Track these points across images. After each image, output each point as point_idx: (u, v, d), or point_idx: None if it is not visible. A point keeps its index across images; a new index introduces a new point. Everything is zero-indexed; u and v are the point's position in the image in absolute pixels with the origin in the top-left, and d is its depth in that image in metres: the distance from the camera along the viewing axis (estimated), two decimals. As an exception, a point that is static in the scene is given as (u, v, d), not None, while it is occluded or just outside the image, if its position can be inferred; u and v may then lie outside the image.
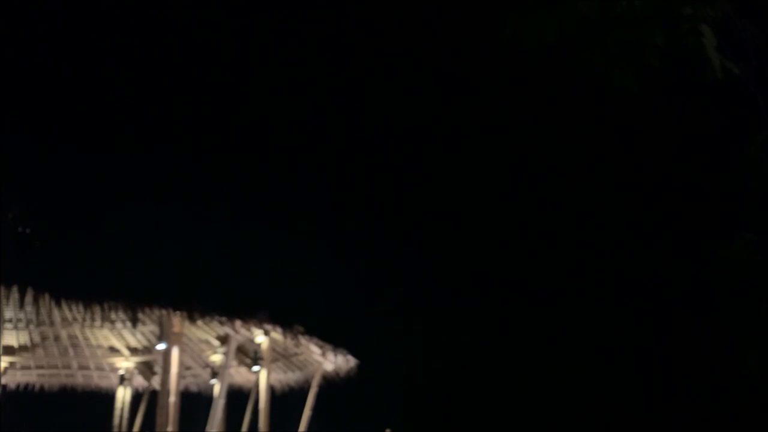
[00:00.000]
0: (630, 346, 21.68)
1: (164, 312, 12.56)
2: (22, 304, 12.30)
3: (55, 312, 14.34)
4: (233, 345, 13.54)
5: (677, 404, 19.75)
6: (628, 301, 21.81)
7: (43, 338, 16.47)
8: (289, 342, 14.17)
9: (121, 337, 16.54)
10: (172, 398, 12.49)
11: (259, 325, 13.45)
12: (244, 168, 23.02)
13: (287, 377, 16.69)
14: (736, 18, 3.63)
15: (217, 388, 14.08)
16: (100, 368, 18.07)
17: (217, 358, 15.20)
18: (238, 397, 16.30)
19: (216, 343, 14.93)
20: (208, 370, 16.27)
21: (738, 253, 3.81)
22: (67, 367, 17.94)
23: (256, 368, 14.64)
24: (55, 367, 17.88)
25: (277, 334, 13.81)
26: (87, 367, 18.12)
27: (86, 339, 16.82)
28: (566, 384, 22.56)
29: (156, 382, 15.39)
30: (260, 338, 13.93)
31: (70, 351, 17.15)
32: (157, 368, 15.41)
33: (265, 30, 21.88)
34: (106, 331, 16.25)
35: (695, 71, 3.41)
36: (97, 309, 11.82)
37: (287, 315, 13.78)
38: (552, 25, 3.49)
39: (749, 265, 3.78)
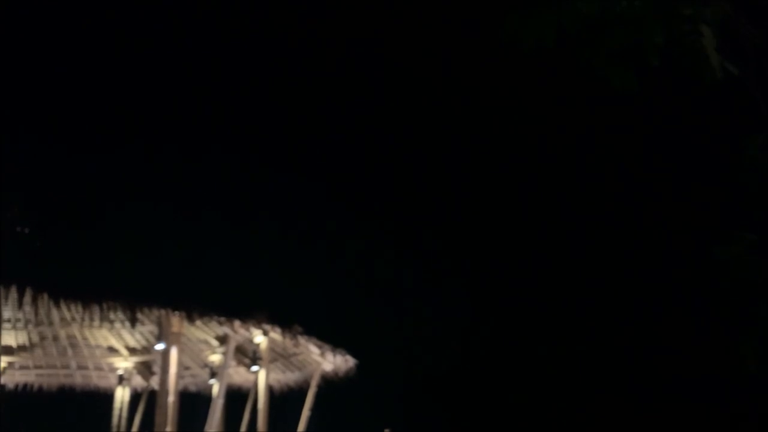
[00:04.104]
0: (629, 345, 21.68)
1: (163, 312, 12.55)
2: (20, 304, 12.30)
3: (54, 312, 14.34)
4: (232, 345, 13.53)
5: (676, 404, 19.76)
6: (627, 301, 21.81)
7: (42, 338, 16.46)
8: (288, 342, 14.16)
9: (120, 337, 16.54)
10: (171, 398, 12.48)
11: (258, 325, 13.44)
12: (243, 168, 23.02)
13: (286, 377, 16.69)
14: (736, 18, 3.63)
15: (216, 388, 14.07)
16: (98, 368, 18.07)
17: (215, 358, 15.20)
18: (237, 397, 16.30)
19: (215, 343, 14.93)
20: (207, 370, 16.28)
21: (738, 253, 3.81)
22: (66, 367, 17.94)
23: (254, 368, 14.64)
24: (54, 367, 17.87)
25: (275, 334, 13.81)
26: (86, 367, 18.12)
27: (85, 339, 16.81)
28: (566, 383, 22.56)
29: (155, 382, 15.38)
30: (259, 338, 13.93)
31: (69, 351, 17.15)
32: (156, 368, 15.40)
33: (263, 31, 21.88)
34: (104, 331, 16.25)
35: (695, 71, 3.40)
36: (95, 309, 11.80)
37: (286, 315, 13.76)
38: (552, 25, 3.49)
39: (749, 265, 3.78)
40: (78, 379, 18.34)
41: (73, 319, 15.37)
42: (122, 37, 21.43)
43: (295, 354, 15.51)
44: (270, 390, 14.71)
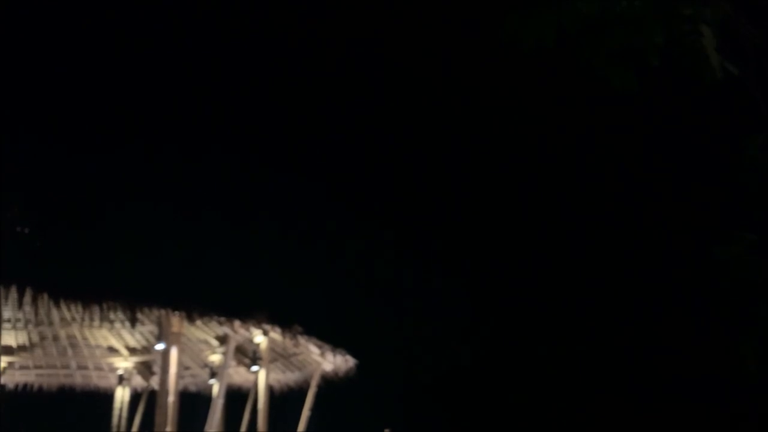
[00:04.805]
0: (629, 346, 21.68)
1: (163, 312, 12.55)
2: (20, 304, 12.29)
3: (54, 312, 14.34)
4: (232, 345, 13.53)
5: (676, 404, 19.75)
6: (627, 301, 21.81)
7: (42, 338, 16.46)
8: (288, 342, 14.16)
9: (120, 337, 16.53)
10: (171, 398, 12.48)
11: (258, 325, 13.44)
12: (243, 168, 23.02)
13: (286, 377, 16.69)
14: (736, 18, 3.63)
15: (216, 388, 14.07)
16: (98, 368, 18.06)
17: (215, 358, 15.20)
18: (237, 397, 16.30)
19: (215, 343, 14.93)
20: (207, 370, 16.28)
21: (738, 253, 3.80)
22: (66, 367, 17.94)
23: (254, 368, 14.64)
24: (54, 367, 17.87)
25: (275, 334, 13.81)
26: (86, 367, 18.11)
27: (85, 339, 16.81)
28: (566, 383, 22.55)
29: (155, 382, 15.38)
30: (259, 338, 13.93)
31: (69, 351, 17.14)
32: (156, 368, 15.40)
33: (263, 31, 21.88)
34: (104, 331, 16.25)
35: (695, 71, 3.40)
36: (95, 309, 11.80)
37: (286, 315, 13.76)
38: (552, 25, 3.49)
39: (749, 265, 3.78)
40: (78, 379, 18.34)
41: (73, 319, 15.36)
42: (122, 37, 21.43)
43: (295, 354, 15.51)
44: (270, 390, 14.70)
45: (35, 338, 16.37)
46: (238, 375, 16.47)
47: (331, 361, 15.16)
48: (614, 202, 21.50)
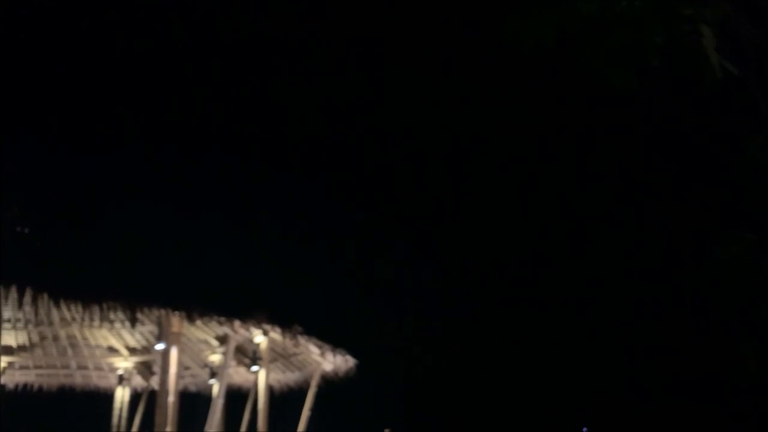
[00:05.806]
0: (629, 346, 21.68)
1: (163, 312, 12.54)
2: (20, 304, 12.29)
3: (54, 312, 14.33)
4: (232, 345, 13.53)
5: (676, 404, 19.75)
6: (627, 301, 21.81)
7: (42, 338, 16.45)
8: (288, 342, 14.15)
9: (120, 337, 16.53)
10: (171, 398, 12.48)
11: (258, 325, 13.44)
12: (243, 168, 23.02)
13: (286, 377, 16.68)
14: (736, 18, 3.63)
15: (216, 388, 14.07)
16: (98, 368, 18.06)
17: (216, 358, 15.20)
18: (237, 397, 16.30)
19: (215, 343, 14.93)
20: (207, 370, 16.28)
21: (738, 253, 3.80)
22: (66, 367, 17.94)
23: (254, 368, 14.64)
24: (54, 367, 17.87)
25: (276, 334, 13.80)
26: (86, 367, 18.11)
27: (85, 339, 16.81)
28: (566, 383, 22.55)
29: (155, 382, 15.38)
30: (259, 338, 13.93)
31: (69, 351, 17.14)
32: (156, 368, 15.40)
33: (263, 31, 21.87)
34: (104, 331, 16.24)
35: (695, 71, 3.40)
36: (95, 309, 11.79)
37: (286, 315, 13.76)
38: (552, 25, 3.49)
39: (749, 265, 3.77)
40: (78, 379, 18.33)
41: (73, 319, 15.36)
42: (122, 37, 21.43)
43: (295, 354, 15.50)
44: (270, 390, 14.69)
45: (35, 338, 16.37)
46: (238, 375, 16.47)
47: (331, 361, 15.15)
48: (614, 202, 21.51)
